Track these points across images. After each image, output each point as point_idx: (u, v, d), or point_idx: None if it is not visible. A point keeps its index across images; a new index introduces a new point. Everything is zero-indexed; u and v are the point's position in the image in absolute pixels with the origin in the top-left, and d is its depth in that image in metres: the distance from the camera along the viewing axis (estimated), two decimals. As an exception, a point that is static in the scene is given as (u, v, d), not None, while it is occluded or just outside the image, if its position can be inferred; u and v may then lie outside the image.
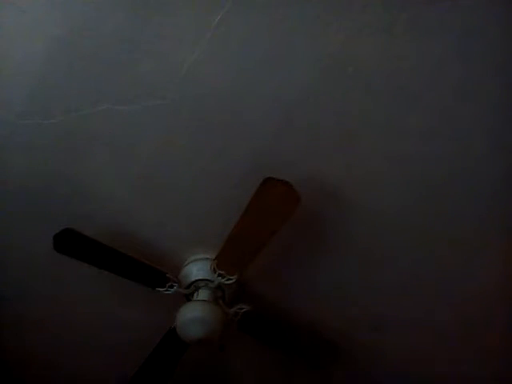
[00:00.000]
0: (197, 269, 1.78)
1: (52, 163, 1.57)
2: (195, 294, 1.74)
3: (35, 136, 1.50)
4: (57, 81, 1.38)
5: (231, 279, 1.66)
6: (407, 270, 1.84)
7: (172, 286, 1.71)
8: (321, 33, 1.27)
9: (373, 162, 1.55)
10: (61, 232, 1.53)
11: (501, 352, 2.12)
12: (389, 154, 1.53)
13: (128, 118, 1.46)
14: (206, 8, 1.24)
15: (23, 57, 1.33)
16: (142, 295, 1.89)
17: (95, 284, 1.95)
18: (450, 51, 1.30)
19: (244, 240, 1.53)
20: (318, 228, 1.73)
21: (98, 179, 1.62)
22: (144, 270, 1.66)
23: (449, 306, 1.95)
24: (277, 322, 1.87)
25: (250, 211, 1.45)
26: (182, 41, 1.30)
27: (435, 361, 2.20)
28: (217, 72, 1.36)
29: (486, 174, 1.55)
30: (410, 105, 1.41)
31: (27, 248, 1.82)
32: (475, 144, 1.48)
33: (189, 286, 1.76)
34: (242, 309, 1.78)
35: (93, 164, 1.58)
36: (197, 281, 1.76)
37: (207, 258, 1.77)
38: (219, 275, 1.67)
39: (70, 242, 1.57)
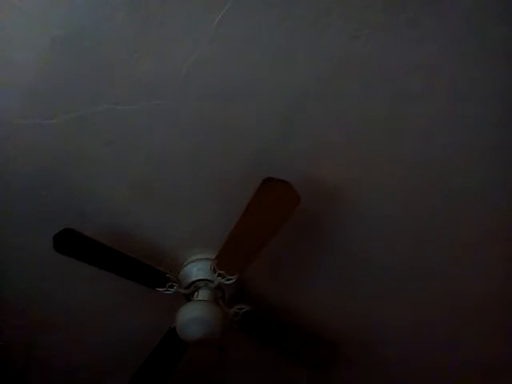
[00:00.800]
0: (197, 269, 1.78)
1: (52, 163, 1.57)
2: (195, 294, 1.74)
3: (35, 136, 1.50)
4: (57, 81, 1.38)
5: (231, 279, 1.66)
6: (407, 270, 1.84)
7: (172, 286, 1.71)
8: (321, 33, 1.27)
9: (373, 162, 1.55)
10: (61, 232, 1.53)
11: (500, 353, 2.13)
12: (389, 155, 1.53)
13: (128, 118, 1.46)
14: (206, 8, 1.24)
15: (23, 57, 1.33)
16: (142, 295, 1.89)
17: (95, 284, 1.94)
18: (449, 51, 1.30)
19: (244, 240, 1.53)
20: (318, 228, 1.73)
21: (98, 179, 1.62)
22: (144, 269, 1.66)
23: (449, 307, 1.95)
24: (277, 322, 1.87)
25: (249, 211, 1.45)
26: (182, 41, 1.30)
27: (435, 361, 2.20)
28: (217, 72, 1.36)
29: (485, 174, 1.55)
30: (410, 105, 1.41)
31: (27, 248, 1.82)
32: (475, 144, 1.49)
33: (189, 286, 1.76)
34: (242, 309, 1.78)
35: (93, 164, 1.58)
36: (197, 281, 1.76)
37: (207, 258, 1.77)
38: (219, 275, 1.67)
39: (70, 242, 1.57)
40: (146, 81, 1.38)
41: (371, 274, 1.87)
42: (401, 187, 1.60)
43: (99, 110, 1.44)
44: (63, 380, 2.43)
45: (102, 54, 1.32)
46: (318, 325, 2.02)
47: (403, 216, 1.68)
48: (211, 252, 1.75)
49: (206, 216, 1.72)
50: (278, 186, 1.36)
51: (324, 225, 1.72)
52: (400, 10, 1.23)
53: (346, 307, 2.00)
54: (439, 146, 1.49)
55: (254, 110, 1.44)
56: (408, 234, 1.73)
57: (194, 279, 1.76)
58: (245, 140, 1.51)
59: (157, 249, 1.81)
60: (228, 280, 1.67)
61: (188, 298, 1.77)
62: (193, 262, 1.81)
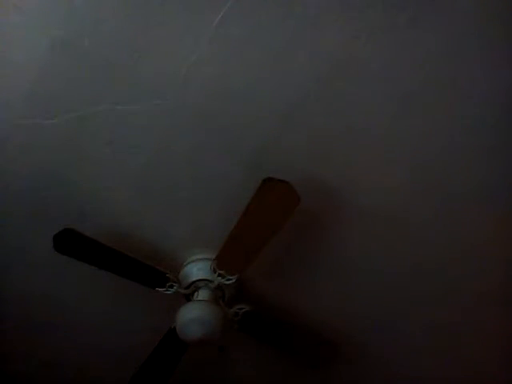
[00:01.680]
0: (197, 269, 1.78)
1: (52, 163, 1.57)
2: (195, 294, 1.74)
3: (35, 136, 1.50)
4: (57, 81, 1.38)
5: (231, 279, 1.66)
6: (407, 269, 1.84)
7: (172, 286, 1.71)
8: (321, 33, 1.27)
9: (373, 162, 1.55)
10: (61, 232, 1.53)
11: (500, 354, 2.13)
12: (389, 155, 1.53)
13: (128, 118, 1.46)
14: (206, 8, 1.24)
15: (23, 57, 1.33)
16: (142, 295, 1.89)
17: (95, 284, 1.95)
18: (449, 51, 1.30)
19: (244, 240, 1.53)
20: (318, 228, 1.73)
21: (98, 179, 1.62)
22: (144, 269, 1.66)
23: (448, 307, 1.95)
24: (277, 321, 1.87)
25: (249, 211, 1.45)
26: (182, 41, 1.30)
27: (435, 361, 2.20)
28: (217, 72, 1.36)
29: (485, 174, 1.55)
30: (410, 105, 1.41)
31: (27, 248, 1.82)
32: (475, 144, 1.49)
33: (189, 286, 1.76)
34: (242, 309, 1.78)
35: (93, 164, 1.58)
36: (197, 281, 1.76)
37: (207, 258, 1.77)
38: (219, 275, 1.67)
39: (70, 242, 1.57)
40: (146, 81, 1.38)
41: (371, 274, 1.87)
42: (401, 187, 1.60)
43: (99, 109, 1.44)
44: (63, 380, 2.43)
45: (102, 54, 1.32)
46: (318, 325, 2.02)
47: (403, 216, 1.68)
48: (211, 252, 1.75)
49: (205, 216, 1.72)
50: (278, 186, 1.36)
51: (324, 225, 1.72)
52: (400, 10, 1.23)
53: (345, 307, 2.00)
54: (439, 146, 1.49)
55: (253, 110, 1.44)
56: (408, 234, 1.73)
57: (194, 279, 1.76)
58: (245, 140, 1.51)
59: (157, 249, 1.81)
60: (228, 280, 1.67)
61: (188, 298, 1.77)
62: (193, 262, 1.81)
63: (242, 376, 2.38)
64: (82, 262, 1.63)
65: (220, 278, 1.67)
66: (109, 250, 1.59)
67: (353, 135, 1.49)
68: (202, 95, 1.41)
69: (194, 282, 1.76)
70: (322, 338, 1.90)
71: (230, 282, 1.67)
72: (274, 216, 1.46)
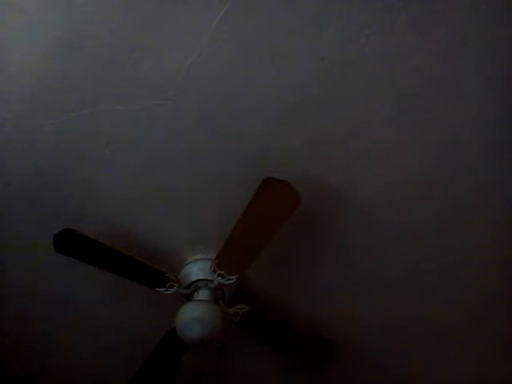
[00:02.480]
0: (197, 269, 1.78)
1: (52, 163, 1.57)
2: (195, 294, 1.74)
3: (35, 136, 1.50)
4: (57, 81, 1.38)
5: (231, 279, 1.66)
6: (407, 270, 1.84)
7: (172, 286, 1.71)
8: (321, 33, 1.28)
9: (372, 162, 1.55)
10: (61, 232, 1.53)
11: (500, 354, 2.13)
12: (389, 155, 1.53)
13: (128, 118, 1.46)
14: (206, 8, 1.24)
15: (23, 57, 1.33)
16: (142, 295, 1.89)
17: (95, 284, 1.94)
18: (449, 51, 1.30)
19: (244, 240, 1.53)
20: (318, 228, 1.73)
21: (98, 179, 1.62)
22: (144, 269, 1.66)
23: (448, 305, 1.95)
24: (277, 321, 1.87)
25: (249, 211, 1.45)
26: (183, 41, 1.30)
27: (435, 361, 2.20)
28: (217, 72, 1.36)
29: (486, 176, 1.55)
30: (410, 105, 1.41)
31: (27, 248, 1.82)
32: (476, 145, 1.49)
33: (189, 286, 1.76)
34: (242, 309, 1.78)
35: (93, 164, 1.58)
36: (197, 281, 1.76)
37: (207, 258, 1.77)
38: (219, 275, 1.67)
39: (70, 242, 1.57)
40: (146, 81, 1.38)
41: (371, 274, 1.87)
42: (401, 188, 1.60)
43: (99, 110, 1.44)
44: (63, 380, 2.43)
45: (102, 54, 1.32)
46: (317, 325, 2.03)
47: (403, 216, 1.68)
48: (211, 252, 1.75)
49: (206, 216, 1.72)
50: (278, 185, 1.36)
51: (324, 225, 1.72)
52: (400, 10, 1.23)
53: (345, 307, 2.00)
54: (439, 146, 1.49)
55: (254, 110, 1.44)
56: (408, 234, 1.73)
57: (193, 279, 1.76)
58: (245, 140, 1.51)
59: (157, 249, 1.81)
60: (228, 280, 1.67)
61: (188, 297, 1.77)
62: (193, 261, 1.81)
63: (241, 376, 2.38)
64: (82, 262, 1.63)
65: (220, 278, 1.67)
66: (109, 250, 1.59)
67: (353, 135, 1.49)
68: (201, 95, 1.41)
69: (193, 282, 1.76)
70: (321, 338, 1.90)
71: (230, 281, 1.67)
72: (273, 216, 1.46)
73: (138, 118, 1.46)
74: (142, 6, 1.24)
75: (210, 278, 1.72)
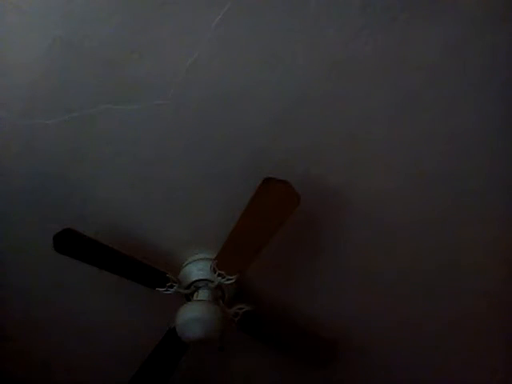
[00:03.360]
0: (197, 269, 1.78)
1: (52, 163, 1.57)
2: (195, 294, 1.74)
3: (35, 136, 1.50)
4: (57, 81, 1.38)
5: (231, 279, 1.66)
6: (407, 269, 1.84)
7: (172, 286, 1.71)
8: (321, 33, 1.28)
9: (373, 162, 1.55)
10: (61, 232, 1.52)
11: (501, 354, 2.13)
12: (389, 155, 1.53)
13: (128, 118, 1.46)
14: (205, 8, 1.24)
15: (23, 57, 1.33)
16: (142, 295, 1.89)
17: (95, 284, 1.94)
18: (449, 51, 1.30)
19: (244, 240, 1.53)
20: (318, 228, 1.73)
21: (98, 179, 1.62)
22: (144, 270, 1.66)
23: (449, 305, 1.95)
24: (277, 322, 1.87)
25: (249, 211, 1.45)
26: (182, 41, 1.30)
27: (435, 361, 2.20)
28: (217, 72, 1.36)
29: (486, 177, 1.55)
30: (410, 105, 1.41)
31: (27, 248, 1.82)
32: (476, 147, 1.49)
33: (189, 286, 1.76)
34: (242, 309, 1.78)
35: (93, 164, 1.58)
36: (197, 281, 1.76)
37: (207, 258, 1.77)
38: (219, 275, 1.67)
39: (70, 242, 1.57)
40: (146, 81, 1.38)
41: (371, 274, 1.87)
42: (401, 188, 1.60)
43: (99, 109, 1.44)
44: (63, 380, 2.43)
45: (102, 54, 1.32)
46: (317, 325, 2.02)
47: (403, 216, 1.68)
48: (211, 252, 1.75)
49: (206, 216, 1.72)
50: (278, 185, 1.36)
51: (323, 225, 1.72)
52: (400, 10, 1.23)
53: (345, 307, 2.00)
54: (439, 146, 1.49)
55: (253, 110, 1.44)
56: (408, 235, 1.73)
57: (193, 279, 1.76)
58: (245, 140, 1.51)
59: (157, 249, 1.81)
60: (228, 280, 1.67)
61: (188, 297, 1.77)
62: (193, 262, 1.81)
63: (241, 376, 2.38)
64: (82, 262, 1.63)
65: (220, 278, 1.67)
66: (109, 250, 1.59)
67: (353, 135, 1.49)
68: (201, 95, 1.41)
69: (193, 282, 1.76)
70: (321, 338, 1.90)
71: (230, 281, 1.67)
72: (273, 216, 1.46)
73: (138, 118, 1.46)
74: (141, 6, 1.24)
75: (209, 278, 1.72)
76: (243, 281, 1.86)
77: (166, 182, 1.62)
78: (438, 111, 1.42)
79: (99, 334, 2.19)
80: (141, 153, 1.55)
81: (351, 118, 1.45)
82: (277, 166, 1.55)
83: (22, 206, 1.69)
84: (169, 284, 1.70)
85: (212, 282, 1.72)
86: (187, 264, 1.82)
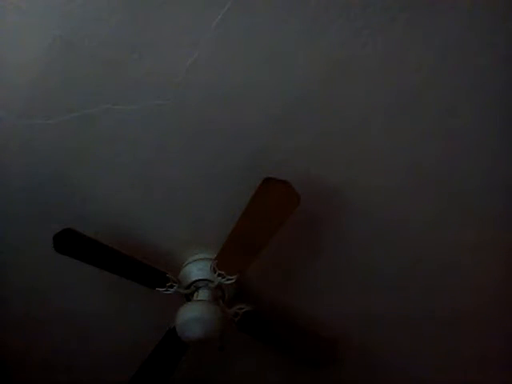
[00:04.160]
0: (197, 269, 1.78)
1: (52, 163, 1.57)
2: (195, 294, 1.74)
3: (35, 136, 1.50)
4: (57, 81, 1.38)
5: (231, 279, 1.66)
6: (407, 269, 1.84)
7: (172, 286, 1.71)
8: (321, 33, 1.28)
9: (373, 162, 1.55)
10: (61, 232, 1.52)
11: (501, 354, 2.12)
12: (389, 155, 1.53)
13: (128, 117, 1.46)
14: (205, 8, 1.24)
15: (23, 57, 1.33)
16: (142, 295, 1.89)
17: (95, 284, 1.94)
18: (449, 51, 1.30)
19: (244, 240, 1.53)
20: (318, 228, 1.73)
21: (98, 179, 1.62)
22: (144, 270, 1.66)
23: (449, 308, 1.95)
24: (277, 321, 1.87)
25: (249, 211, 1.45)
26: (182, 41, 1.30)
27: (435, 361, 2.20)
28: (217, 72, 1.36)
29: (485, 176, 1.55)
30: (409, 105, 1.41)
31: (27, 248, 1.82)
32: (475, 146, 1.49)
33: (189, 286, 1.76)
34: (242, 309, 1.78)
35: (93, 164, 1.58)
36: (197, 281, 1.76)
37: (207, 258, 1.77)
38: (219, 275, 1.67)
39: (70, 242, 1.57)
40: (145, 81, 1.38)
41: (371, 274, 1.87)
42: (401, 188, 1.60)
43: (99, 109, 1.44)
44: (63, 380, 2.43)
45: (102, 54, 1.32)
46: (317, 325, 2.02)
47: (403, 216, 1.68)
48: (211, 252, 1.75)
49: (205, 216, 1.72)
50: (278, 185, 1.36)
51: (323, 225, 1.72)
52: (400, 10, 1.23)
53: (345, 307, 2.00)
54: (439, 147, 1.49)
55: (253, 110, 1.44)
56: (408, 234, 1.73)
57: (193, 279, 1.76)
58: (244, 140, 1.51)
59: (157, 249, 1.81)
60: (228, 280, 1.67)
61: (188, 297, 1.77)
62: (193, 262, 1.81)
63: (242, 376, 2.38)
64: (82, 262, 1.63)
65: (220, 277, 1.67)
66: (109, 250, 1.59)
67: (353, 135, 1.49)
68: (201, 95, 1.41)
69: (194, 281, 1.76)
70: (321, 338, 1.90)
71: (230, 281, 1.67)
72: (273, 216, 1.46)
73: (138, 118, 1.46)
74: (141, 6, 1.24)
75: (209, 278, 1.72)
76: (243, 281, 1.86)
77: (165, 182, 1.62)
78: (438, 111, 1.42)
79: (99, 334, 2.19)
80: (141, 153, 1.55)
81: (351, 118, 1.45)
82: (277, 166, 1.55)
83: (22, 206, 1.69)
84: (169, 284, 1.70)
85: (212, 281, 1.72)
86: (187, 264, 1.82)
